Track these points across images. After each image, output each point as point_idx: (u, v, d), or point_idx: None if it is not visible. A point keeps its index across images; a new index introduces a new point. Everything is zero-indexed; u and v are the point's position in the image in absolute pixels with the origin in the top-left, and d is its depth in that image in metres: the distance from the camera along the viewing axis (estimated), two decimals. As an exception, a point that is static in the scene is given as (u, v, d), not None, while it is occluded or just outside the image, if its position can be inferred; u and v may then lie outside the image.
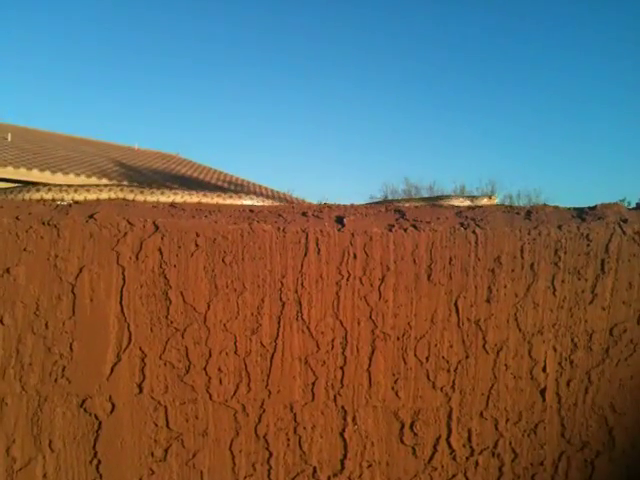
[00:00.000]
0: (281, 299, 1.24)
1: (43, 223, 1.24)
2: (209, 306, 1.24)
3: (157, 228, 1.24)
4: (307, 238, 1.24)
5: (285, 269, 1.24)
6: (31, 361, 1.23)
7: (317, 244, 1.24)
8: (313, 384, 1.23)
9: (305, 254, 1.24)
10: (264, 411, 1.23)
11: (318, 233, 1.24)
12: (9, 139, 14.80)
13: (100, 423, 1.23)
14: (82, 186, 1.36)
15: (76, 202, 1.33)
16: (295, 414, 1.23)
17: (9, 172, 11.21)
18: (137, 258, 1.24)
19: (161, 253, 1.24)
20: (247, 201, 1.40)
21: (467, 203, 1.27)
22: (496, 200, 1.34)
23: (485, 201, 1.31)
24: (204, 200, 1.39)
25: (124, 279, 1.24)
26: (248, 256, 1.24)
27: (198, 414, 1.23)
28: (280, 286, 1.24)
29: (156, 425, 1.23)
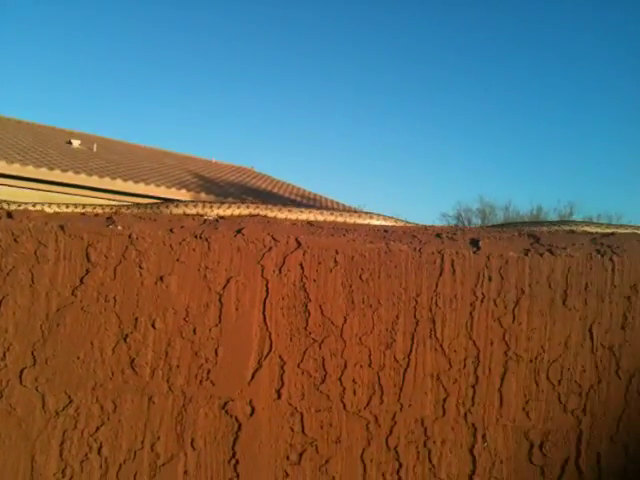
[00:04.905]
0: (415, 316, 1.29)
1: (195, 236, 1.33)
2: (346, 320, 1.30)
3: (299, 244, 1.32)
4: (443, 259, 1.29)
5: (420, 288, 1.29)
6: (179, 363, 1.32)
7: (452, 265, 1.29)
8: (444, 400, 1.28)
9: (440, 274, 1.29)
10: (395, 423, 1.28)
11: (454, 255, 1.29)
12: (95, 150, 15.30)
13: (240, 425, 1.30)
14: (222, 202, 1.45)
15: (221, 217, 1.42)
16: (426, 428, 1.28)
17: (94, 181, 11.56)
18: (280, 272, 1.31)
19: (302, 268, 1.31)
20: (379, 222, 1.46)
21: None
22: None
23: None
24: (337, 219, 1.46)
25: (267, 291, 1.31)
26: (384, 274, 1.30)
27: (332, 422, 1.29)
28: (414, 304, 1.29)
29: (292, 430, 1.29)
